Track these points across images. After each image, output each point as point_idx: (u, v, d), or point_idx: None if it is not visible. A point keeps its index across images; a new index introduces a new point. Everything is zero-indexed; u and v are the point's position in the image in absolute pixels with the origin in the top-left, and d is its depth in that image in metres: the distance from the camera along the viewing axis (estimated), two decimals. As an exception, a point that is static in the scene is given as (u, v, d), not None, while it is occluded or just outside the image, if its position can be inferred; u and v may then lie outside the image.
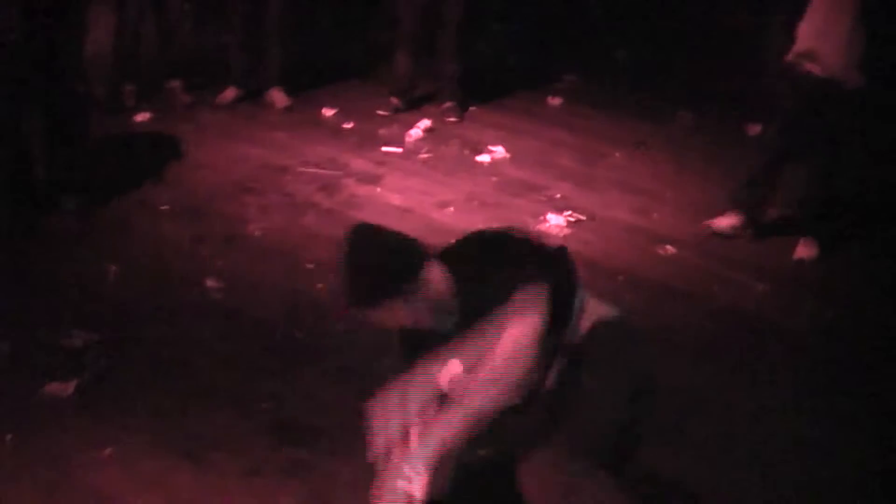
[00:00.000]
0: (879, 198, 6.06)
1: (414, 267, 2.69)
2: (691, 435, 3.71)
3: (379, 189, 5.78)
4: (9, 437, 3.50)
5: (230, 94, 7.04)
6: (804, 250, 5.25)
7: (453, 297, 2.77)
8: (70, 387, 3.77)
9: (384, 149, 6.39)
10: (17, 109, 4.89)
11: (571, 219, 5.47)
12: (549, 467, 2.85)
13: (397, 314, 2.73)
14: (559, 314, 2.85)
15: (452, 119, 6.94)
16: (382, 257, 2.68)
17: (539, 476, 2.86)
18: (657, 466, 3.50)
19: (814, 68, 4.98)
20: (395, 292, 2.67)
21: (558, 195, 5.80)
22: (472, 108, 7.17)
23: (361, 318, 2.74)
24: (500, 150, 6.40)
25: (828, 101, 4.95)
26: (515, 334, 2.68)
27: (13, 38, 4.68)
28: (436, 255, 2.80)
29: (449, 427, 2.63)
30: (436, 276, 2.73)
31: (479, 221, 5.34)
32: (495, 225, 5.10)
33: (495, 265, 2.79)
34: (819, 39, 4.94)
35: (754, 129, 6.92)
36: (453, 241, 2.97)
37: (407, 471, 2.58)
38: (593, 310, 3.02)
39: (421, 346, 2.83)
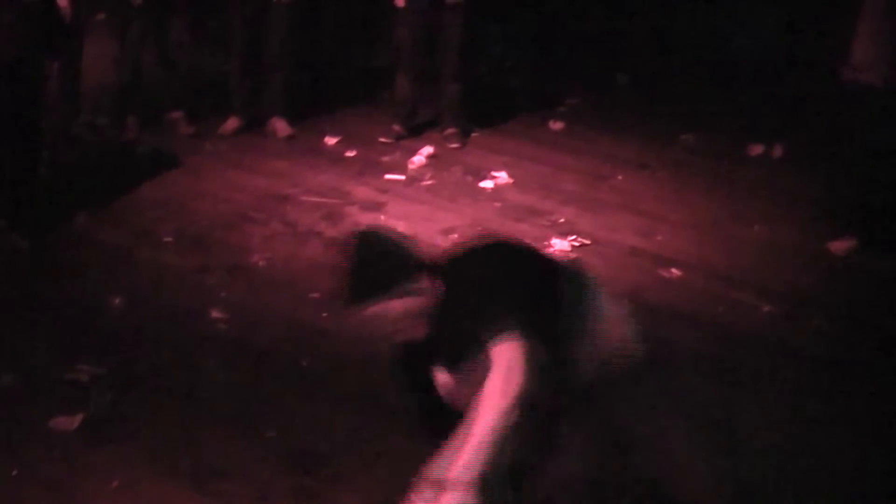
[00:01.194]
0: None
1: (407, 273, 2.70)
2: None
3: (382, 216, 5.78)
4: (14, 471, 3.50)
5: (232, 123, 7.06)
6: (840, 245, 5.30)
7: (439, 309, 2.76)
8: (76, 420, 3.77)
9: (387, 176, 6.40)
10: None
11: (576, 243, 5.46)
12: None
13: (389, 317, 2.73)
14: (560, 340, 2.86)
15: (455, 145, 6.94)
16: (379, 260, 2.69)
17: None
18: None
19: (873, 79, 4.97)
20: (388, 296, 2.68)
21: (562, 219, 5.80)
22: (474, 134, 7.17)
23: (355, 317, 2.72)
24: (503, 176, 6.40)
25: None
26: (494, 402, 2.62)
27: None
28: (433, 264, 2.79)
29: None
30: (425, 286, 2.73)
31: (483, 247, 5.35)
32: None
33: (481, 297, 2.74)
34: (876, 49, 4.92)
35: (756, 150, 6.95)
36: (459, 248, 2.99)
37: None
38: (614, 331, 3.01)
39: (410, 359, 2.87)
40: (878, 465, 3.67)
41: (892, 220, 5.33)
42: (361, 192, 6.14)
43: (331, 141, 6.97)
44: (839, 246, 5.41)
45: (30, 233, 5.11)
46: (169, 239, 5.38)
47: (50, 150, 5.59)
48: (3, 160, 5.01)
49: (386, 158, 6.71)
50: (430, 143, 6.93)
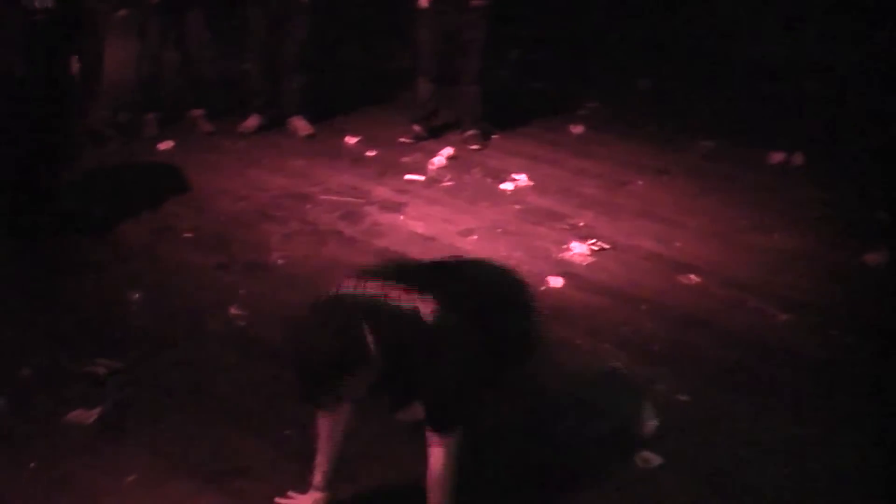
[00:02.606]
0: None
1: (356, 352, 2.73)
2: (701, 463, 3.69)
3: (402, 217, 5.78)
4: (32, 464, 3.51)
5: (252, 122, 7.09)
6: (874, 257, 5.29)
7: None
8: (93, 414, 3.78)
9: (407, 177, 6.40)
10: (15, 142, 4.92)
11: (595, 247, 5.45)
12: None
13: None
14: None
15: (475, 147, 6.94)
16: (325, 346, 2.71)
17: None
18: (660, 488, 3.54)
19: None
20: (340, 379, 2.74)
21: (581, 223, 5.79)
22: (494, 136, 7.18)
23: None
24: (523, 178, 6.39)
25: None
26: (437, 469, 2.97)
27: (19, 71, 4.71)
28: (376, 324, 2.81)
29: None
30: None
31: (502, 249, 5.36)
32: (518, 253, 5.15)
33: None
34: None
35: (776, 157, 6.92)
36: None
37: None
38: None
39: None
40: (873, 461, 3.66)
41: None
42: (381, 192, 6.14)
43: (351, 141, 6.99)
44: (874, 258, 5.39)
45: (52, 230, 5.12)
46: (189, 235, 5.40)
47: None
48: (30, 161, 5.01)
49: (406, 159, 6.72)
50: (450, 144, 6.94)
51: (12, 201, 5.02)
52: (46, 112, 4.91)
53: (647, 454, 3.67)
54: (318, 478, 3.27)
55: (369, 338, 2.75)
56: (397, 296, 2.88)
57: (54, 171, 5.14)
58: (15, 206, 5.03)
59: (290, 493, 3.33)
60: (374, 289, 2.91)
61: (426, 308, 2.86)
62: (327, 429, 3.20)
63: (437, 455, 2.94)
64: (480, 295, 3.14)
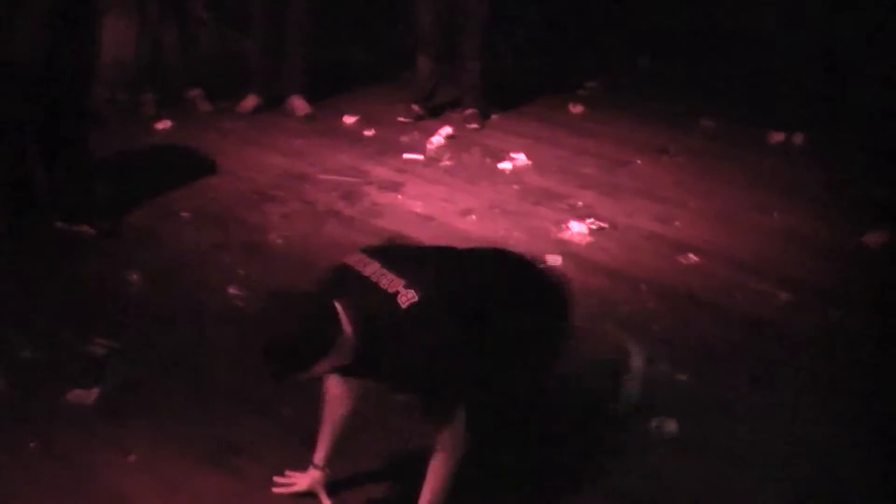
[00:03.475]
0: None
1: (325, 336, 2.70)
2: (699, 442, 3.70)
3: (400, 197, 5.77)
4: (32, 443, 3.51)
5: (251, 101, 7.06)
6: (874, 237, 5.30)
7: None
8: (93, 394, 3.78)
9: (405, 156, 6.39)
10: (23, 131, 4.86)
11: (594, 227, 5.44)
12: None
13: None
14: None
15: (474, 126, 6.93)
16: (293, 328, 2.67)
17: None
18: (659, 468, 3.54)
19: None
20: (310, 362, 2.72)
21: (580, 203, 5.78)
22: (493, 116, 7.17)
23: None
24: (521, 158, 6.38)
25: None
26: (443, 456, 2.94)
27: (34, 56, 4.67)
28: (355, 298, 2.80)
29: None
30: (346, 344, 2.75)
31: (500, 229, 5.36)
32: (517, 233, 5.15)
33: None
34: None
35: (777, 137, 6.91)
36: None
37: None
38: None
39: None
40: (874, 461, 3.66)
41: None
42: (380, 171, 6.13)
43: (349, 120, 6.97)
44: (873, 238, 5.38)
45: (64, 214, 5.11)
46: (186, 215, 5.39)
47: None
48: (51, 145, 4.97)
49: (405, 138, 6.70)
50: (449, 123, 6.92)
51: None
52: (66, 93, 4.86)
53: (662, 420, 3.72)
54: (318, 456, 3.27)
55: (343, 317, 2.73)
56: (385, 281, 2.84)
57: (80, 151, 5.08)
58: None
59: (288, 472, 3.34)
60: (368, 270, 2.89)
61: (406, 295, 2.80)
62: (335, 403, 3.19)
63: (437, 441, 2.93)
64: (484, 289, 3.08)
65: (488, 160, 6.40)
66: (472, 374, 2.92)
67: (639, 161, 6.51)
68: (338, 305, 2.75)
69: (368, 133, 6.77)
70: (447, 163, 6.34)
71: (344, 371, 2.92)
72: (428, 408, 2.91)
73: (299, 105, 7.05)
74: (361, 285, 2.84)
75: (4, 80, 4.66)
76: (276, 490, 3.31)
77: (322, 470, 3.27)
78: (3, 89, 4.69)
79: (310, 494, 3.28)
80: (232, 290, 4.60)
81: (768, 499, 3.43)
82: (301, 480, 3.30)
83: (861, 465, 3.62)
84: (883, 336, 4.50)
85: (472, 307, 2.95)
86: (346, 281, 2.88)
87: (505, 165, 6.31)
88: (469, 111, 7.00)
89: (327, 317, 2.72)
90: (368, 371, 2.91)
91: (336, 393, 3.18)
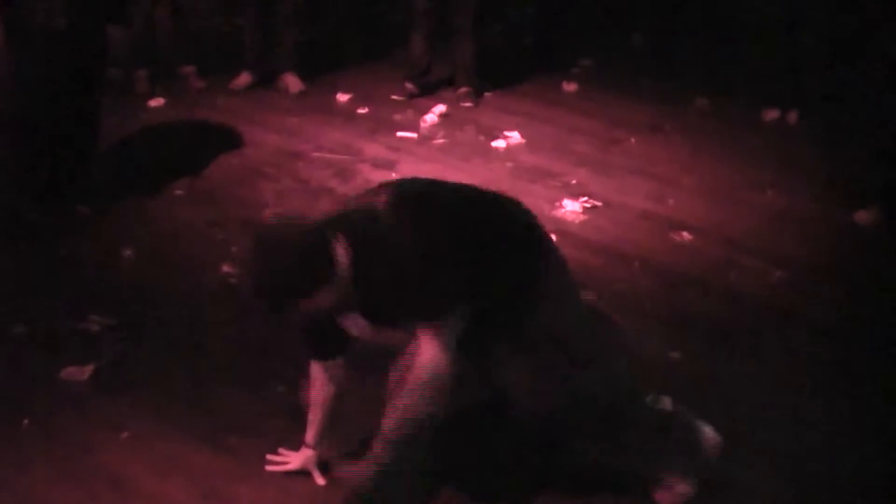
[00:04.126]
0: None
1: (323, 263, 2.67)
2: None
3: (394, 174, 5.75)
4: (26, 420, 3.52)
5: (244, 78, 7.04)
6: (865, 215, 5.30)
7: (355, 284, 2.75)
8: (87, 371, 3.79)
9: (399, 134, 6.38)
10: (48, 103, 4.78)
11: (587, 205, 5.44)
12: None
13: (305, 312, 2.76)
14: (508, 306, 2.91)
15: (468, 104, 6.91)
16: (291, 256, 2.64)
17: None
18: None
19: None
20: (309, 288, 2.68)
21: (574, 181, 5.77)
22: (487, 94, 7.15)
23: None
24: (515, 136, 6.37)
25: None
26: (424, 362, 2.77)
27: (62, 24, 4.62)
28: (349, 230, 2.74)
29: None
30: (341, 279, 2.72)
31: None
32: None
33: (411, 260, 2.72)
34: None
35: (771, 115, 6.91)
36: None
37: None
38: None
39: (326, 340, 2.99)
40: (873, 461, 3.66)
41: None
42: (373, 149, 6.12)
43: (343, 98, 6.95)
44: (864, 217, 5.38)
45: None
46: (180, 193, 5.38)
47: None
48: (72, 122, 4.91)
49: (398, 116, 6.69)
50: (442, 101, 6.90)
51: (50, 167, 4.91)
52: (86, 69, 4.83)
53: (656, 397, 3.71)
54: (310, 435, 3.26)
55: (339, 250, 2.70)
56: (365, 198, 2.82)
57: (91, 132, 5.05)
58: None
59: (282, 450, 3.34)
60: (355, 201, 2.88)
61: (381, 197, 2.78)
62: (320, 386, 3.18)
63: (418, 350, 2.78)
64: (479, 222, 2.95)
65: (482, 138, 6.39)
66: (461, 279, 2.80)
67: (633, 139, 6.50)
68: (330, 237, 2.71)
69: (362, 111, 6.75)
70: (441, 141, 6.33)
71: (340, 307, 2.84)
72: (414, 310, 2.77)
73: (292, 82, 7.03)
74: (345, 213, 2.84)
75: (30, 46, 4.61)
76: (269, 468, 3.32)
77: (314, 449, 3.27)
78: (29, 56, 4.64)
79: (303, 473, 3.28)
80: (226, 268, 4.60)
81: (762, 477, 3.44)
82: (294, 459, 3.30)
83: (857, 440, 3.64)
84: (877, 313, 4.51)
85: (455, 215, 2.89)
86: (334, 215, 2.87)
87: (499, 143, 6.30)
88: (463, 89, 6.98)
89: (322, 246, 2.68)
90: (364, 301, 2.83)
91: (321, 376, 3.17)
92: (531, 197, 5.44)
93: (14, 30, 4.58)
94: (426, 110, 6.72)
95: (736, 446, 3.57)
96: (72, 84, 4.76)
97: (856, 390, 3.94)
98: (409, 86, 7.02)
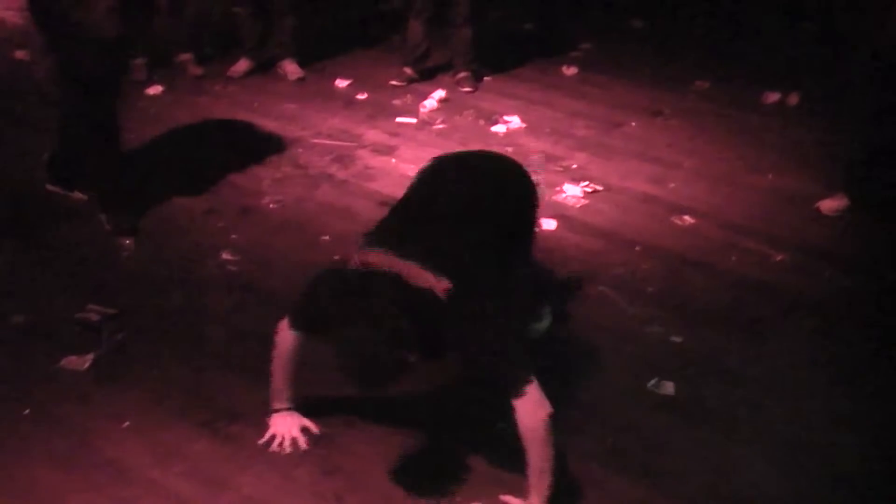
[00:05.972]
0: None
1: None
2: (693, 403, 3.72)
3: (393, 160, 5.75)
4: (27, 410, 3.51)
5: (242, 65, 7.02)
6: (830, 204, 5.25)
7: None
8: (87, 360, 3.78)
9: (398, 119, 6.36)
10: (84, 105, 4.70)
11: (588, 189, 5.43)
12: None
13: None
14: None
15: (467, 89, 6.89)
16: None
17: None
18: (652, 438, 3.54)
19: None
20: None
21: (574, 165, 5.76)
22: (486, 78, 7.12)
23: None
24: (515, 121, 6.35)
25: None
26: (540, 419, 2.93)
27: (115, 34, 4.57)
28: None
29: None
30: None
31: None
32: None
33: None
34: None
35: (772, 98, 6.88)
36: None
37: None
38: None
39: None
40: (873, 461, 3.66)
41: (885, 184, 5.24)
42: (372, 135, 6.10)
43: (342, 84, 6.93)
44: (829, 205, 5.34)
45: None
46: (179, 180, 5.35)
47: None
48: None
49: (397, 102, 6.66)
50: (442, 86, 6.88)
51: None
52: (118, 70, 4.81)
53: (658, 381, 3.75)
54: (283, 398, 3.41)
55: (403, 324, 2.80)
56: (414, 276, 2.87)
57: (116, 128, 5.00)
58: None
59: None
60: (391, 263, 2.90)
61: (441, 287, 2.86)
62: (286, 354, 3.31)
63: (520, 411, 2.92)
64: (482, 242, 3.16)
65: (482, 123, 6.37)
66: (523, 338, 3.03)
67: (633, 123, 6.48)
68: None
69: (361, 97, 6.73)
70: (440, 126, 6.30)
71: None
72: (506, 386, 2.92)
73: (291, 69, 7.00)
74: (400, 285, 2.87)
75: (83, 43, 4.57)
76: (272, 449, 3.36)
77: (290, 408, 3.43)
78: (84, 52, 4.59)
79: (303, 465, 3.30)
80: (225, 255, 4.59)
81: (760, 462, 3.44)
82: (275, 426, 3.41)
83: (857, 419, 3.64)
84: (878, 295, 4.51)
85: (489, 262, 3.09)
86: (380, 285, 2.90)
87: (498, 128, 6.28)
88: (462, 74, 6.96)
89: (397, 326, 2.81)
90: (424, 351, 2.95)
91: (292, 341, 3.28)
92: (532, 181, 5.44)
93: (63, 38, 4.53)
94: (425, 95, 6.69)
95: (736, 428, 3.59)
96: (106, 84, 4.73)
97: (856, 372, 3.94)
98: (407, 71, 7.00)
